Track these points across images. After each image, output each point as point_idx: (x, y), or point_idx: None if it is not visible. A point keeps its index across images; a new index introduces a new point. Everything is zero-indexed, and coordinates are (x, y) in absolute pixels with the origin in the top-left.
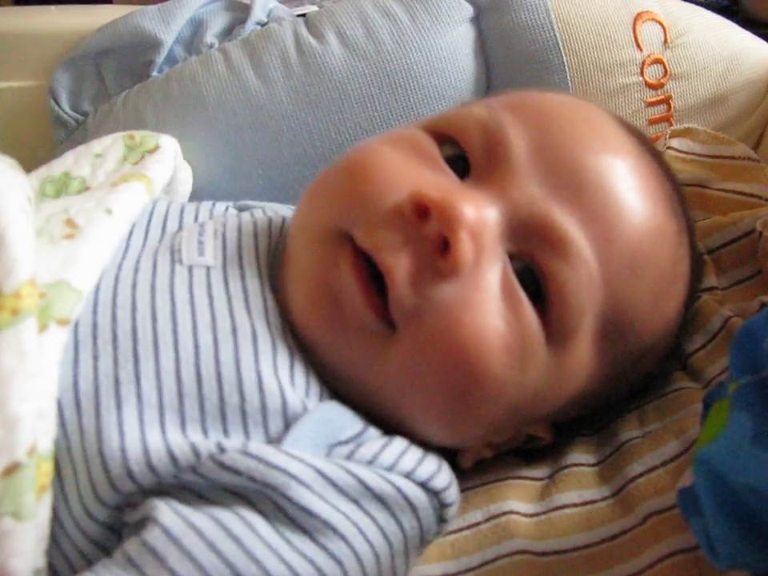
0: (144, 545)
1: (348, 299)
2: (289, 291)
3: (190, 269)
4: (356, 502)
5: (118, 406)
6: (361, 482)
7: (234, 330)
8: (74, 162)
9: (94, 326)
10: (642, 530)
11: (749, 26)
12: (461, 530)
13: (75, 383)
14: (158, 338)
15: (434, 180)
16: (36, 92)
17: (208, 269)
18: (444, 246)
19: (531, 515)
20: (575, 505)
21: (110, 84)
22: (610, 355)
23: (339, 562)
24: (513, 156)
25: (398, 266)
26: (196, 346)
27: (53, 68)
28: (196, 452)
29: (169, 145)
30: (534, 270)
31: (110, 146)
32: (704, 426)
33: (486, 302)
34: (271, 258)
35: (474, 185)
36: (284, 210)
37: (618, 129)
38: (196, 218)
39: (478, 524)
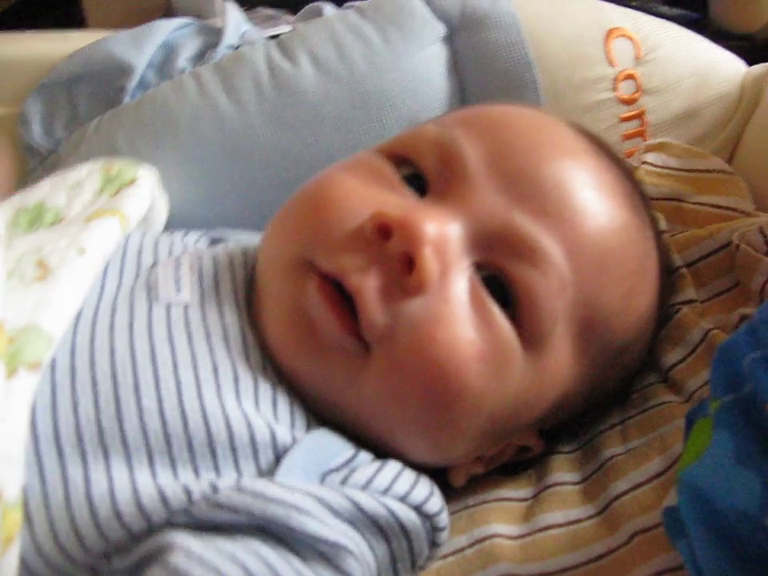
0: (164, 565)
1: (320, 322)
2: (263, 322)
3: (168, 307)
4: (352, 523)
5: (105, 454)
6: (356, 505)
7: (215, 369)
8: (49, 191)
9: (72, 370)
10: (628, 550)
11: (719, 38)
12: (445, 556)
13: (56, 430)
14: (138, 380)
15: (393, 201)
16: (7, 120)
17: (186, 306)
18: (409, 263)
19: (516, 537)
20: (560, 525)
21: (83, 110)
22: (588, 354)
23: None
24: (468, 168)
25: (366, 285)
26: (178, 384)
27: (25, 95)
28: (188, 493)
29: (146, 177)
30: (500, 277)
31: (87, 176)
32: (687, 446)
33: (456, 314)
34: (248, 290)
35: (434, 201)
36: (258, 239)
37: (572, 132)
38: (170, 252)
39: (462, 549)
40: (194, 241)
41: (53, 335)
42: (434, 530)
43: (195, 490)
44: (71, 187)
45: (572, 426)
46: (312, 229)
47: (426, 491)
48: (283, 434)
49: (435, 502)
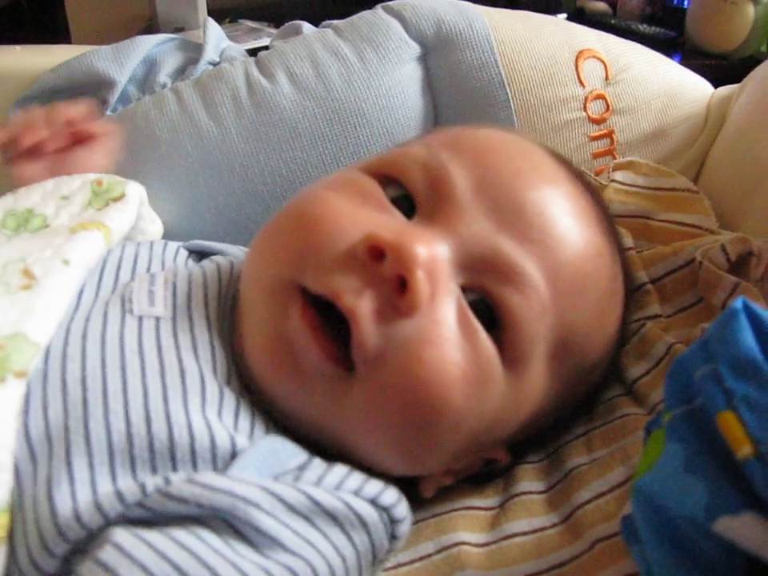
0: (95, 561)
1: (302, 348)
2: (245, 345)
3: (140, 319)
4: (307, 518)
5: (67, 452)
6: (311, 498)
7: (182, 378)
8: (40, 200)
9: (45, 376)
10: (589, 557)
11: (696, 57)
12: (412, 561)
13: (27, 434)
14: (107, 386)
15: (383, 222)
16: None
17: (157, 319)
18: (401, 285)
19: (482, 545)
20: (525, 533)
21: None
22: (561, 374)
23: (291, 570)
24: (457, 193)
25: (361, 306)
26: (145, 390)
27: (8, 107)
28: (143, 488)
29: (134, 194)
30: (486, 300)
31: (78, 189)
32: (642, 456)
33: (444, 335)
34: (222, 305)
35: (423, 223)
36: (236, 253)
37: (549, 158)
38: (148, 268)
39: (429, 555)
40: (173, 257)
41: (39, 343)
42: (392, 522)
43: (149, 484)
44: (62, 198)
45: (539, 439)
46: (301, 249)
47: (378, 487)
48: (242, 442)
49: (390, 495)
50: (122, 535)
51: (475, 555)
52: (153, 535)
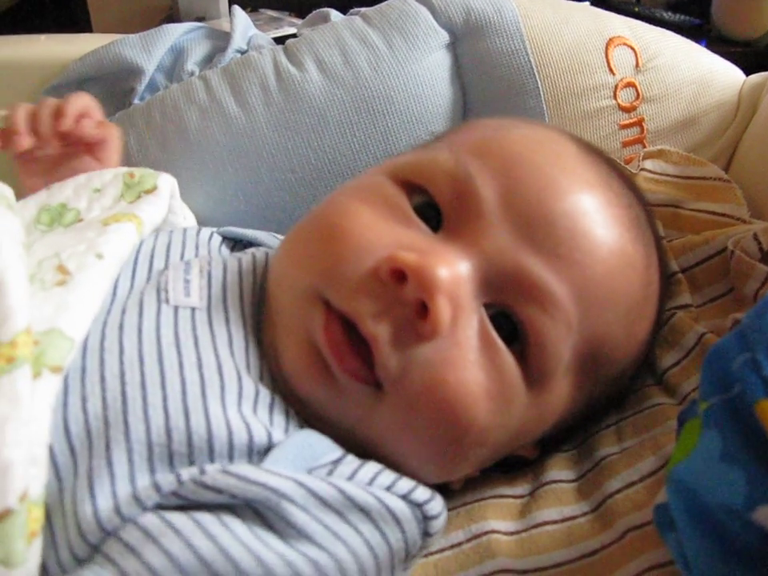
0: (122, 542)
1: (330, 363)
2: (278, 350)
3: (176, 309)
4: (339, 513)
5: (107, 447)
6: (343, 493)
7: (220, 371)
8: (72, 193)
9: (83, 370)
10: (620, 546)
11: (720, 44)
12: (443, 550)
13: (66, 428)
14: (145, 379)
15: (407, 239)
16: None
17: (193, 310)
18: (422, 308)
19: (512, 533)
20: (555, 522)
21: None
22: (588, 384)
23: (317, 565)
24: (483, 207)
25: (381, 333)
26: (182, 383)
27: (35, 96)
28: (179, 477)
29: (165, 186)
30: (509, 314)
31: (110, 181)
32: (677, 445)
33: (467, 356)
34: (256, 297)
35: (447, 237)
36: (268, 241)
37: (581, 159)
38: (182, 256)
39: (460, 544)
40: (206, 242)
41: (74, 338)
42: (425, 518)
43: (185, 473)
44: (94, 190)
45: (568, 436)
46: (326, 262)
47: (410, 484)
48: (278, 437)
49: (422, 492)
50: (149, 519)
51: (505, 543)
52: (180, 520)
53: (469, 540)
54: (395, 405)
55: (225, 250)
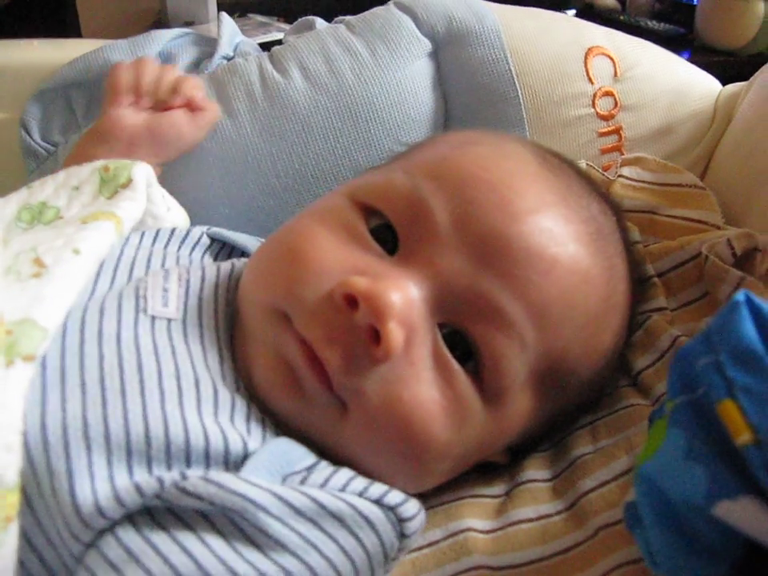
0: (105, 559)
1: (303, 378)
2: (249, 364)
3: (153, 319)
4: (312, 521)
5: (88, 448)
6: (315, 501)
7: (197, 382)
8: (53, 192)
9: (62, 372)
10: (593, 543)
11: (704, 53)
12: (421, 548)
13: (43, 423)
14: (125, 387)
15: (363, 263)
16: (7, 124)
17: (169, 321)
18: (375, 333)
19: (488, 531)
20: (530, 520)
21: (80, 115)
22: (551, 397)
23: (288, 573)
24: (438, 229)
25: (333, 357)
26: (161, 392)
27: (23, 100)
28: (161, 482)
29: (140, 177)
30: (463, 334)
31: (87, 178)
32: (645, 443)
33: (421, 376)
34: (230, 310)
35: (402, 260)
36: (253, 246)
37: (539, 175)
38: (163, 264)
39: (437, 542)
40: (189, 251)
41: (47, 328)
42: (399, 521)
43: (167, 478)
44: (73, 188)
45: (539, 441)
46: (286, 285)
47: (382, 488)
48: (254, 446)
49: (395, 495)
50: (131, 537)
51: (482, 541)
52: (160, 538)
53: (446, 538)
54: (358, 421)
55: (207, 258)
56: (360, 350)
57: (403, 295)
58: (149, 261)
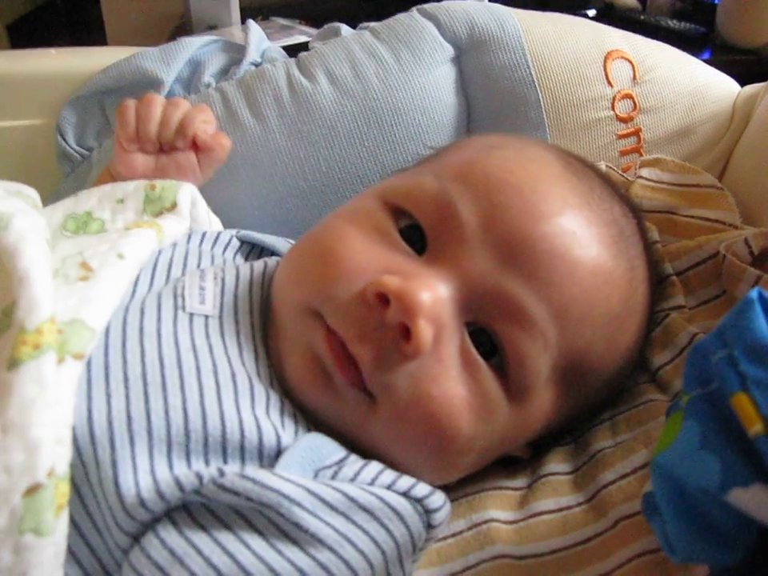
0: (149, 559)
1: (333, 374)
2: (282, 360)
3: (191, 316)
4: (345, 515)
5: (131, 441)
6: (346, 495)
7: (234, 376)
8: (97, 203)
9: (106, 368)
10: (612, 534)
11: (725, 52)
12: (445, 538)
13: (89, 416)
14: (165, 381)
15: (394, 263)
16: (42, 129)
17: (206, 317)
18: (405, 330)
19: (511, 522)
20: (551, 511)
21: (114, 121)
22: (572, 393)
23: (326, 569)
24: (465, 230)
25: (364, 354)
26: (200, 387)
27: (57, 107)
28: (199, 477)
29: (185, 201)
30: (488, 332)
31: (132, 193)
32: (661, 435)
33: (449, 372)
34: (264, 307)
35: (431, 260)
36: (284, 248)
37: (563, 178)
38: (198, 264)
39: (461, 532)
40: (222, 251)
41: (95, 328)
42: (426, 512)
43: (205, 474)
44: (117, 201)
45: (561, 436)
46: (320, 284)
47: (410, 481)
48: (287, 440)
49: (422, 487)
50: (173, 538)
51: (504, 531)
52: (202, 540)
53: (470, 528)
54: (387, 415)
55: (239, 258)
56: (391, 346)
57: (432, 294)
58: (185, 260)
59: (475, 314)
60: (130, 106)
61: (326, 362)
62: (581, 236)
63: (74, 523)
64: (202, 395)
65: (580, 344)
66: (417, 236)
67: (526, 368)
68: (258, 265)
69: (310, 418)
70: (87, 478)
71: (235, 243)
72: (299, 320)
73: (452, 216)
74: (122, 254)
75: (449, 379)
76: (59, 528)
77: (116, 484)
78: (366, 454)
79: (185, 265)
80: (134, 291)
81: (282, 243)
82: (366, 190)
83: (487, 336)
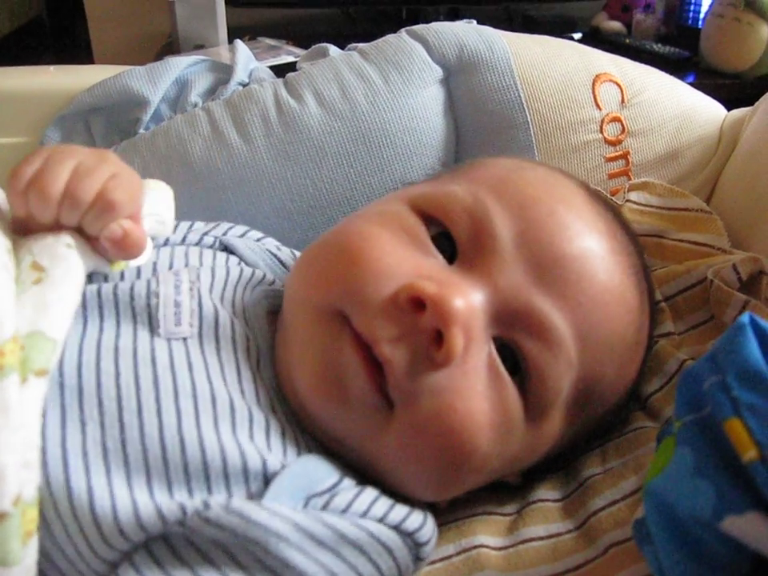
0: None
1: (352, 379)
2: (293, 368)
3: (168, 340)
4: (333, 550)
5: (108, 471)
6: (336, 531)
7: (213, 399)
8: None
9: (80, 392)
10: (603, 561)
11: (709, 76)
12: (434, 562)
13: (63, 442)
14: (141, 406)
15: (426, 268)
16: (27, 148)
17: (185, 339)
18: (438, 336)
19: (500, 548)
20: (541, 538)
21: (99, 140)
22: (579, 418)
23: None
24: (498, 244)
25: (396, 358)
26: (178, 412)
27: (42, 125)
28: (183, 509)
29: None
30: (513, 348)
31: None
32: (653, 461)
33: (475, 386)
34: (252, 316)
35: (462, 270)
36: (267, 245)
37: (590, 205)
38: (170, 265)
39: (449, 557)
40: (197, 240)
41: (56, 339)
42: (416, 545)
43: (189, 506)
44: None
45: (550, 465)
46: (347, 283)
47: (403, 511)
48: (274, 463)
49: (414, 520)
50: (154, 574)
51: (494, 557)
52: (181, 573)
53: (458, 553)
54: (403, 426)
55: (219, 260)
56: (420, 352)
57: (467, 303)
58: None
59: (503, 328)
60: (23, 175)
61: (347, 365)
62: (608, 262)
63: (42, 551)
64: (179, 420)
65: (596, 369)
66: (446, 245)
67: (548, 387)
68: (235, 267)
69: (308, 431)
70: (55, 504)
71: (208, 241)
72: (317, 322)
73: (486, 228)
74: (69, 243)
75: (474, 393)
76: (28, 555)
77: (92, 510)
78: (365, 469)
79: (154, 267)
80: (98, 291)
81: (263, 243)
82: (388, 195)
83: (510, 352)
